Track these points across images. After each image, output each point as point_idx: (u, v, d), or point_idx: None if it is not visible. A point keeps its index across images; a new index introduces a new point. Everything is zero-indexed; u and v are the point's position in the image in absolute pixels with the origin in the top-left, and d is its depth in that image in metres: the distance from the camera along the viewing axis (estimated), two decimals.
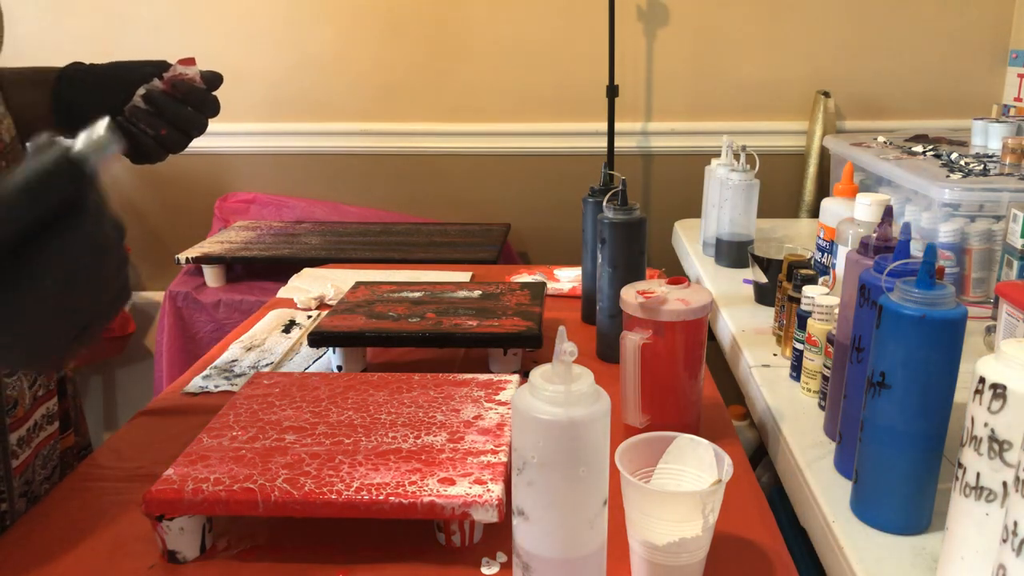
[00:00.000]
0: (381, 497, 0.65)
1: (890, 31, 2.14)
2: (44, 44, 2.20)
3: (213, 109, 0.81)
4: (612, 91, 2.08)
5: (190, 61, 0.80)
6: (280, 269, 1.77)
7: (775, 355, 1.08)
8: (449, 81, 2.23)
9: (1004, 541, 0.49)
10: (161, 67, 0.81)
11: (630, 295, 0.83)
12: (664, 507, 0.60)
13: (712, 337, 1.09)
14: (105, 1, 2.19)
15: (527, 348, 0.98)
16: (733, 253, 1.46)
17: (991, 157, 1.46)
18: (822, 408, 0.91)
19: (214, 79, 0.81)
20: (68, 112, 0.81)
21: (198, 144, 0.88)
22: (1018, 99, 2.05)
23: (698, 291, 0.84)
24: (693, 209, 1.77)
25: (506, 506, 0.66)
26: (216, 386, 0.99)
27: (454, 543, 0.68)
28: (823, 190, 2.13)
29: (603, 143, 2.15)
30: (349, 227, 2.14)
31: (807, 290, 0.96)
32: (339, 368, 1.02)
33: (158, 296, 1.97)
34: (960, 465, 0.55)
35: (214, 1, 2.20)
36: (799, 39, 2.16)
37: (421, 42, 2.21)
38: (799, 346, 0.98)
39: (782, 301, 1.07)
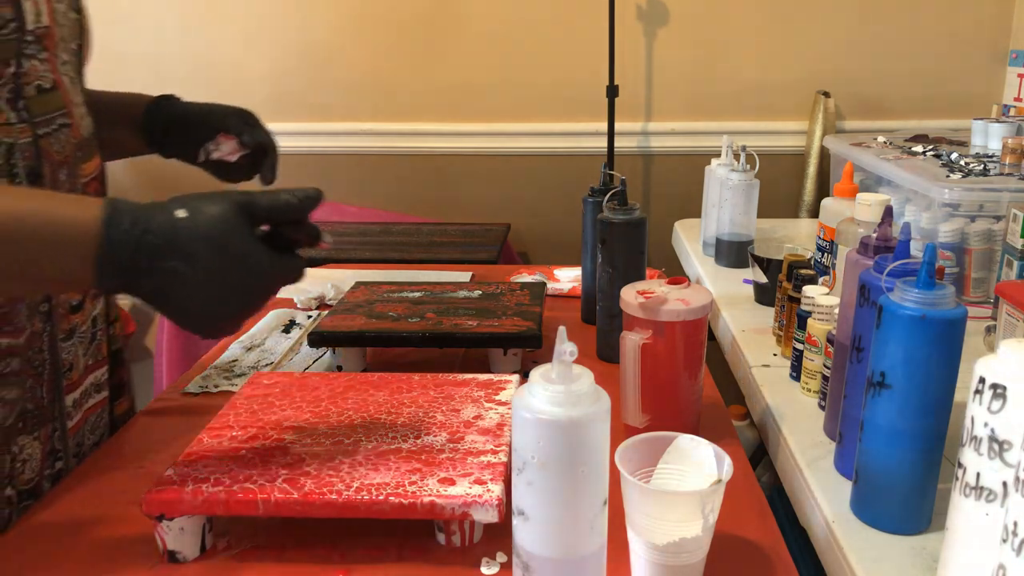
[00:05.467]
0: (381, 497, 0.65)
1: (890, 31, 2.14)
2: None
3: (248, 174, 0.94)
4: (612, 91, 2.08)
5: (228, 137, 0.91)
6: None
7: (775, 355, 1.08)
8: (449, 81, 2.23)
9: (1004, 541, 0.49)
10: (216, 127, 0.92)
11: (630, 295, 0.83)
12: (664, 507, 0.60)
13: (712, 337, 1.09)
14: (106, 2, 2.19)
15: (527, 348, 0.98)
16: (733, 253, 1.46)
17: (991, 157, 1.46)
18: (822, 408, 0.91)
19: (253, 144, 0.91)
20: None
21: None
22: (1018, 99, 2.05)
23: (698, 291, 0.84)
24: (693, 209, 1.77)
25: (506, 506, 0.66)
26: (216, 386, 0.99)
27: (454, 543, 0.68)
28: (823, 190, 2.13)
29: (603, 143, 2.15)
30: (349, 227, 2.14)
31: (807, 290, 0.96)
32: (339, 368, 1.02)
33: None
34: (960, 465, 0.55)
35: (214, 2, 2.20)
36: (799, 39, 2.16)
37: (421, 42, 2.21)
38: (799, 346, 0.98)
39: (782, 301, 1.07)
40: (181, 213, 0.61)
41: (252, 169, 0.93)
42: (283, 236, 0.66)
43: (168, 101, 0.95)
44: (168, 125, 0.93)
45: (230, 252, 0.61)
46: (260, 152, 0.92)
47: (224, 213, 0.61)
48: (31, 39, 0.74)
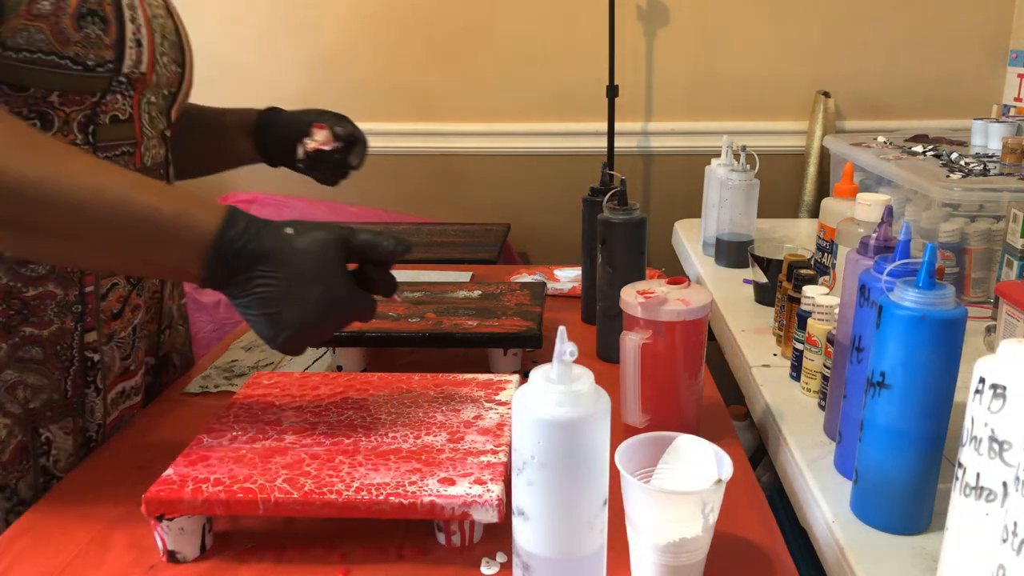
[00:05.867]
0: (381, 497, 0.65)
1: (890, 31, 2.14)
2: None
3: (347, 167, 1.02)
4: (612, 91, 2.08)
5: (321, 127, 1.00)
6: None
7: (775, 355, 1.08)
8: (449, 81, 2.23)
9: (1004, 541, 0.49)
10: (311, 121, 1.02)
11: (630, 295, 0.83)
12: (664, 507, 0.60)
13: (712, 337, 1.09)
14: None
15: (527, 348, 0.98)
16: (733, 253, 1.46)
17: (991, 157, 1.46)
18: (822, 408, 0.91)
19: (345, 134, 1.00)
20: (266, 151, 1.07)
21: None
22: (1018, 99, 2.06)
23: (698, 291, 0.84)
24: (693, 209, 1.77)
25: (506, 506, 0.66)
26: (216, 386, 0.99)
27: (454, 543, 0.68)
28: (823, 190, 2.13)
29: (603, 143, 2.16)
30: None
31: (807, 290, 0.96)
32: (339, 368, 1.02)
33: None
34: (960, 465, 0.55)
35: (218, 2, 2.20)
36: (799, 39, 2.16)
37: (421, 43, 2.21)
38: (799, 346, 0.98)
39: (782, 301, 1.07)
40: (289, 230, 0.69)
41: (344, 166, 1.02)
42: (364, 277, 0.73)
43: (273, 111, 1.06)
44: (272, 131, 1.05)
45: (320, 274, 0.68)
46: (351, 145, 1.02)
47: (325, 239, 0.69)
48: (123, 81, 0.80)
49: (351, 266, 0.71)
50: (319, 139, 1.00)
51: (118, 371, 0.89)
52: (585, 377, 0.53)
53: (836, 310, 0.88)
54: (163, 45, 0.86)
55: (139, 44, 0.81)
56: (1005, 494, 0.53)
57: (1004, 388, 0.51)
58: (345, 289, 0.69)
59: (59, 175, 0.65)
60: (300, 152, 1.01)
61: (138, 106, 0.84)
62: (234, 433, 0.76)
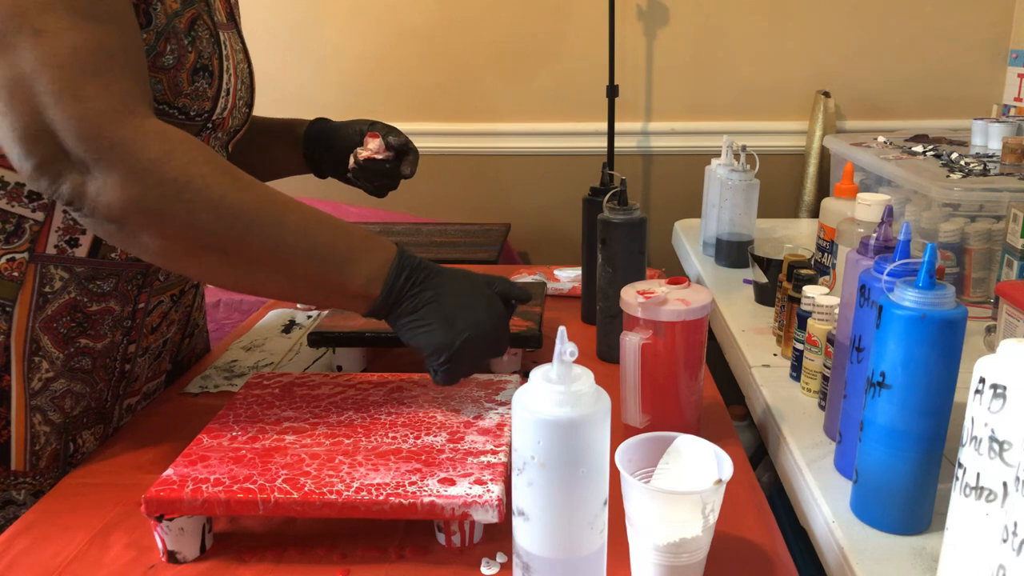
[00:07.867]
0: (381, 497, 0.65)
1: (890, 31, 2.14)
2: None
3: (397, 177, 1.04)
4: (612, 91, 2.08)
5: (374, 135, 1.01)
6: None
7: (775, 355, 1.08)
8: (449, 81, 2.23)
9: (1004, 541, 0.49)
10: (362, 131, 1.04)
11: (630, 295, 0.83)
12: (664, 507, 0.60)
13: (712, 337, 1.09)
14: None
15: (527, 348, 0.98)
16: (733, 253, 1.46)
17: (991, 157, 1.46)
18: (822, 408, 0.91)
19: (398, 144, 1.01)
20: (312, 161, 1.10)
21: None
22: (1018, 99, 2.06)
23: (698, 291, 0.84)
24: (693, 209, 1.77)
25: (506, 506, 0.66)
26: (216, 386, 0.99)
27: (454, 543, 0.68)
28: (823, 190, 2.13)
29: (603, 143, 2.16)
30: None
31: (807, 290, 0.96)
32: (339, 368, 1.02)
33: None
34: (960, 465, 0.55)
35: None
36: (799, 39, 2.16)
37: (421, 42, 2.21)
38: (799, 346, 0.98)
39: (782, 301, 1.07)
40: (447, 265, 0.80)
41: (394, 176, 1.03)
42: None
43: (321, 121, 1.08)
44: (323, 141, 1.07)
45: (482, 292, 0.79)
46: (403, 155, 1.03)
47: (476, 274, 0.81)
48: (210, 126, 0.85)
49: None
50: (372, 148, 1.00)
51: (143, 379, 0.94)
52: (585, 377, 0.53)
53: (836, 310, 0.88)
54: (241, 90, 0.90)
55: (228, 93, 0.85)
56: (1005, 494, 0.53)
57: (1004, 388, 0.51)
58: (502, 307, 0.80)
59: (271, 203, 0.72)
60: (351, 162, 1.02)
61: (207, 140, 0.87)
62: (234, 433, 0.76)
